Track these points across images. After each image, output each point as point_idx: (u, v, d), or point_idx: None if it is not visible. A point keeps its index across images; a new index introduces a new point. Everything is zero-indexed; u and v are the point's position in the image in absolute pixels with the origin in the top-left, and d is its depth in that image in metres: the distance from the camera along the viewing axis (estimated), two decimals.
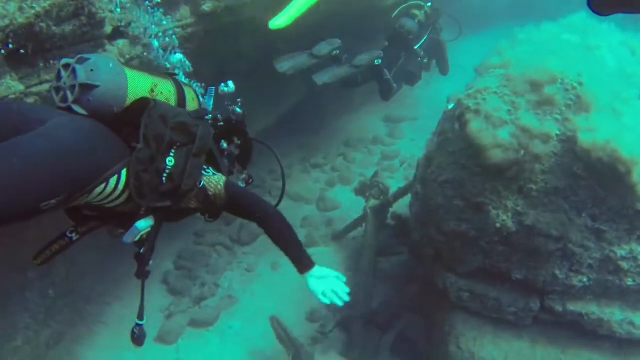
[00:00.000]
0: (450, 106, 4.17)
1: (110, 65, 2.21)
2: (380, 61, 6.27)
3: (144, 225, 2.34)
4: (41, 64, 3.13)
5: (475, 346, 4.19)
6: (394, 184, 9.71)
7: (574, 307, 3.92)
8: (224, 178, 2.53)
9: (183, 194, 2.29)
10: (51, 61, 3.17)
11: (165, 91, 2.44)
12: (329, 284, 2.69)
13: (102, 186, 2.04)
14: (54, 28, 2.95)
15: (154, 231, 2.39)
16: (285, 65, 5.64)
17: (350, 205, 9.44)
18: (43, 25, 2.85)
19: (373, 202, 7.74)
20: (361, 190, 8.07)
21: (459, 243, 4.15)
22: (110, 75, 2.18)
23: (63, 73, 2.17)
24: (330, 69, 5.94)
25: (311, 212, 9.33)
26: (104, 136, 2.11)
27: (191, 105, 2.61)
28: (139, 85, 2.30)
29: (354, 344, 6.23)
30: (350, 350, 6.20)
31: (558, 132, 3.57)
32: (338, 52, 5.91)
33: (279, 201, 2.94)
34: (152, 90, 2.36)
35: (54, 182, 1.82)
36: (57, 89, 2.18)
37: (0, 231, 1.91)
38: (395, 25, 6.70)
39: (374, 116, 12.98)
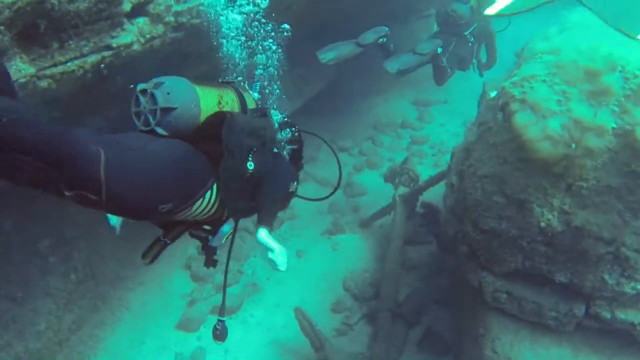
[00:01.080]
0: (492, 94, 3.85)
1: (183, 86, 2.41)
2: (441, 49, 6.35)
3: (228, 228, 2.67)
4: (55, 45, 2.92)
5: (511, 351, 3.93)
6: (424, 170, 9.41)
7: (624, 315, 3.62)
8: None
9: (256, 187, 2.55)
10: (67, 42, 2.96)
11: (229, 100, 2.63)
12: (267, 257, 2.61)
13: (200, 201, 2.33)
14: (67, 5, 2.73)
15: (234, 230, 2.71)
16: (329, 55, 5.70)
17: (377, 190, 9.17)
18: (54, 1, 2.63)
19: (402, 190, 7.46)
20: (390, 177, 7.80)
21: (497, 242, 3.87)
22: (185, 96, 2.37)
23: (141, 98, 2.34)
24: (399, 57, 6.06)
25: (338, 198, 9.09)
26: (195, 154, 2.34)
27: (251, 106, 2.80)
28: (208, 100, 2.48)
29: (380, 338, 6.02)
30: (376, 344, 6.00)
31: (614, 125, 3.23)
32: (385, 39, 5.91)
33: (336, 189, 3.30)
34: (219, 102, 2.55)
35: (172, 187, 2.17)
36: (137, 114, 2.36)
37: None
38: (448, 9, 6.51)
39: (403, 99, 12.60)
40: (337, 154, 3.38)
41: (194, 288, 7.19)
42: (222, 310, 2.92)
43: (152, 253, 2.60)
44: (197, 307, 6.80)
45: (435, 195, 7.84)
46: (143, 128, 2.33)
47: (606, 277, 3.52)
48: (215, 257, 2.86)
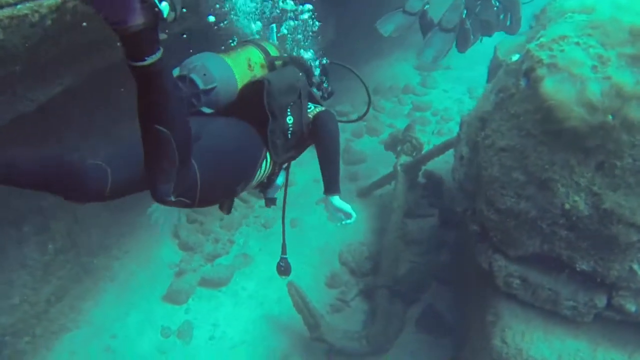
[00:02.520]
0: (514, 58, 3.39)
1: (216, 62, 2.50)
2: (465, 13, 6.20)
3: (282, 180, 2.90)
4: None
5: (523, 342, 3.60)
6: (425, 138, 8.99)
7: None
8: (319, 107, 2.82)
9: (305, 139, 2.73)
10: None
11: (256, 59, 2.72)
12: (338, 217, 2.91)
13: (259, 171, 2.57)
14: None
15: (287, 179, 2.98)
16: (389, 28, 5.87)
17: (377, 157, 8.75)
18: None
19: (404, 159, 7.05)
20: (392, 145, 7.37)
21: (514, 223, 3.49)
22: (221, 72, 2.49)
23: (180, 85, 2.42)
24: (391, 17, 6.07)
25: None
26: (248, 129, 2.52)
27: (274, 53, 2.85)
28: (240, 68, 2.59)
29: (378, 317, 5.72)
30: (374, 323, 5.69)
31: None
32: (428, 6, 5.95)
33: (366, 112, 3.48)
34: (250, 66, 2.66)
35: (242, 170, 2.45)
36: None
37: None
38: None
39: (406, 63, 12.06)
40: (364, 81, 3.43)
41: (182, 258, 6.84)
42: (283, 248, 3.44)
43: (226, 206, 2.74)
44: (185, 279, 6.46)
45: (438, 164, 7.44)
46: (190, 110, 2.46)
47: (635, 267, 3.16)
48: (274, 197, 3.06)
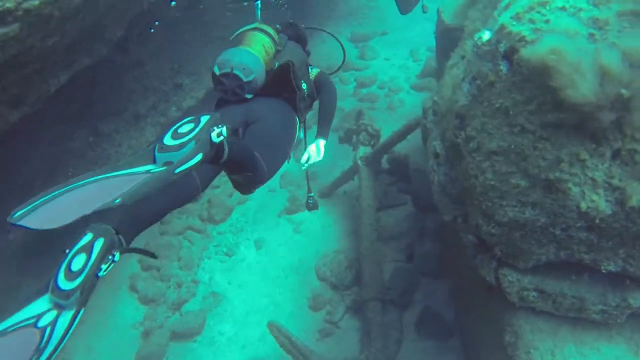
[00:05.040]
0: (485, 36, 2.74)
1: (249, 56, 3.01)
2: None
3: (302, 135, 3.47)
4: None
5: None
6: (378, 116, 8.37)
7: None
8: (315, 69, 3.56)
9: (314, 98, 3.44)
10: None
11: (267, 44, 3.19)
12: (317, 155, 3.44)
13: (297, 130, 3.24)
14: None
15: (305, 133, 3.57)
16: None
17: (332, 150, 8.04)
18: None
19: (363, 150, 6.40)
20: (347, 137, 6.70)
21: (519, 233, 2.90)
22: (254, 64, 3.00)
23: (224, 80, 2.96)
24: None
25: (289, 167, 7.92)
26: (285, 107, 3.14)
27: (274, 35, 3.29)
28: (261, 55, 3.09)
29: (374, 334, 5.13)
30: (370, 340, 5.12)
31: None
32: None
33: (341, 64, 4.24)
34: (266, 51, 3.14)
35: (290, 145, 3.11)
36: (224, 91, 2.99)
37: None
38: None
39: (340, 37, 11.32)
40: (339, 39, 4.26)
41: (145, 314, 6.06)
42: (308, 185, 4.25)
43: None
44: (153, 340, 5.70)
45: (399, 144, 6.85)
46: (233, 98, 2.98)
47: None
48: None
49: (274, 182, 7.69)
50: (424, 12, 7.42)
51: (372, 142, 6.37)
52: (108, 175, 1.99)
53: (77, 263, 2.06)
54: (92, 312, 6.10)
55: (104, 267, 2.09)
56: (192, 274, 6.45)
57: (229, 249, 6.71)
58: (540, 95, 2.45)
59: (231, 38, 3.28)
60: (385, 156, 6.76)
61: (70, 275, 2.03)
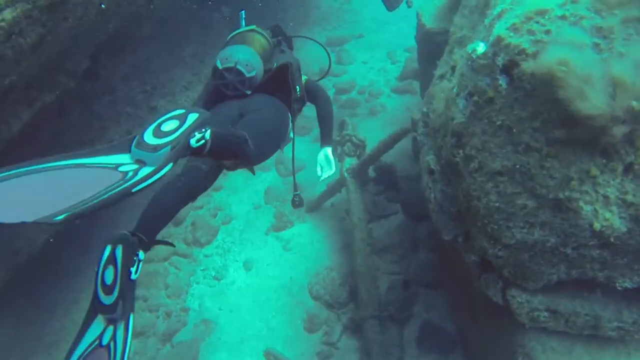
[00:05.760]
0: (479, 49, 2.56)
1: (251, 54, 3.16)
2: None
3: (291, 133, 3.44)
4: None
5: None
6: (361, 123, 8.20)
7: None
8: (304, 76, 3.66)
9: (305, 101, 3.58)
10: None
11: (264, 45, 3.38)
12: (328, 165, 3.73)
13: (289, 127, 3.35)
14: None
15: (294, 132, 3.52)
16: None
17: (314, 158, 7.88)
18: None
19: (349, 161, 6.21)
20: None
21: (528, 255, 2.73)
22: (255, 62, 3.16)
23: (226, 74, 3.09)
24: None
25: (272, 181, 7.74)
26: (279, 103, 3.22)
27: (268, 37, 3.52)
28: (259, 54, 3.24)
29: (374, 352, 4.95)
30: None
31: None
32: None
33: (325, 75, 4.23)
34: (264, 51, 3.33)
35: (284, 127, 3.21)
36: (225, 85, 3.11)
37: None
38: None
39: (311, 42, 11.13)
40: (324, 46, 4.32)
41: (134, 349, 5.77)
42: (295, 186, 4.00)
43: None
44: None
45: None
46: (233, 93, 3.12)
47: None
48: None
49: (258, 198, 7.48)
50: (408, 6, 7.29)
51: (357, 153, 6.19)
52: (79, 161, 2.01)
53: (109, 276, 2.18)
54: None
55: (133, 269, 2.22)
56: (181, 302, 6.19)
57: (217, 272, 6.46)
58: (546, 111, 2.28)
59: (228, 38, 3.45)
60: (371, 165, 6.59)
61: (107, 289, 2.16)
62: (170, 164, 2.07)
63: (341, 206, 6.76)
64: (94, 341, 2.13)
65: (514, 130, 2.42)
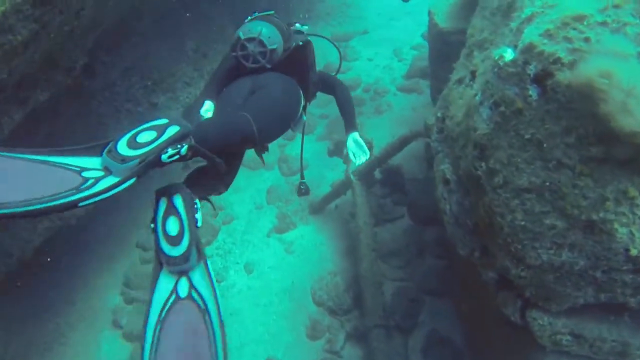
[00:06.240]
0: (507, 56, 2.36)
1: (273, 29, 3.10)
2: None
3: (305, 117, 3.33)
4: None
5: None
6: (365, 121, 8.01)
7: None
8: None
9: (318, 88, 3.46)
10: None
11: (282, 26, 3.23)
12: (360, 150, 3.44)
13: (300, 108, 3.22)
14: None
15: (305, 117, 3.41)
16: None
17: (320, 160, 7.64)
18: None
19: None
20: (336, 149, 6.30)
21: (553, 276, 2.55)
22: (277, 36, 3.10)
23: (248, 45, 3.02)
24: None
25: (274, 180, 7.55)
26: (293, 83, 3.13)
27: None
28: (280, 33, 3.16)
29: None
30: None
31: None
32: None
33: (337, 72, 3.98)
34: (281, 29, 3.20)
35: (295, 106, 3.11)
36: (246, 57, 3.04)
37: None
38: None
39: (316, 37, 10.91)
40: (334, 42, 4.18)
41: (131, 353, 5.61)
42: (302, 172, 4.06)
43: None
44: None
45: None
46: (253, 66, 3.04)
47: None
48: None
49: (260, 197, 7.29)
50: (404, 0, 7.07)
51: None
52: (47, 158, 1.96)
53: (172, 227, 2.11)
54: (72, 353, 5.66)
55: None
56: None
57: (218, 274, 6.28)
58: (582, 126, 2.09)
59: (246, 21, 3.35)
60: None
61: (173, 240, 2.08)
62: (133, 179, 2.02)
63: (346, 208, 6.57)
64: (170, 296, 2.06)
65: (545, 145, 2.23)
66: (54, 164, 1.96)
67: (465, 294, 4.86)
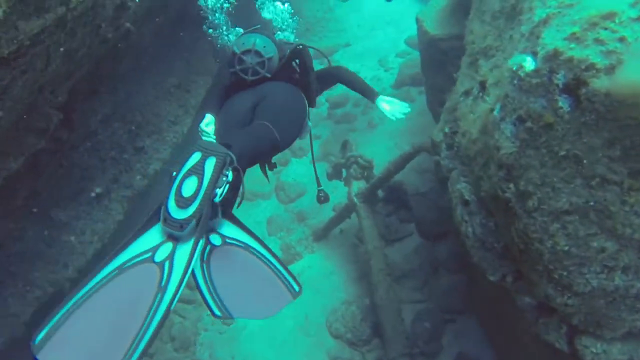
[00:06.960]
0: (527, 65, 2.12)
1: (266, 38, 3.18)
2: None
3: (310, 123, 3.35)
4: None
5: None
6: (358, 137, 7.76)
7: None
8: None
9: (319, 90, 3.48)
10: None
11: (273, 37, 3.35)
12: (394, 105, 3.49)
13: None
14: None
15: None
16: None
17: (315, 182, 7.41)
18: None
19: (357, 185, 5.76)
20: (336, 173, 6.04)
21: (604, 301, 2.28)
22: (270, 45, 3.16)
23: (245, 58, 3.07)
24: None
25: (273, 209, 7.27)
26: (296, 90, 3.18)
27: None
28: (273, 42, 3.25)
29: None
30: None
31: None
32: None
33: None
34: (272, 39, 3.31)
35: (303, 112, 3.16)
36: (244, 70, 3.07)
37: None
38: None
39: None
40: (324, 52, 4.24)
41: None
42: (317, 181, 4.08)
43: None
44: None
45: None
46: (253, 78, 3.06)
47: None
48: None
49: (260, 229, 7.00)
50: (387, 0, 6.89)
51: (365, 174, 5.73)
52: (117, 263, 1.89)
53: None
54: None
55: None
56: (191, 354, 5.69)
57: (226, 320, 5.96)
58: (628, 136, 1.84)
59: (237, 38, 3.38)
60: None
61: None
62: (202, 241, 1.98)
63: (351, 232, 6.30)
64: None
65: (585, 161, 1.98)
66: (126, 266, 1.89)
67: (487, 307, 4.58)
